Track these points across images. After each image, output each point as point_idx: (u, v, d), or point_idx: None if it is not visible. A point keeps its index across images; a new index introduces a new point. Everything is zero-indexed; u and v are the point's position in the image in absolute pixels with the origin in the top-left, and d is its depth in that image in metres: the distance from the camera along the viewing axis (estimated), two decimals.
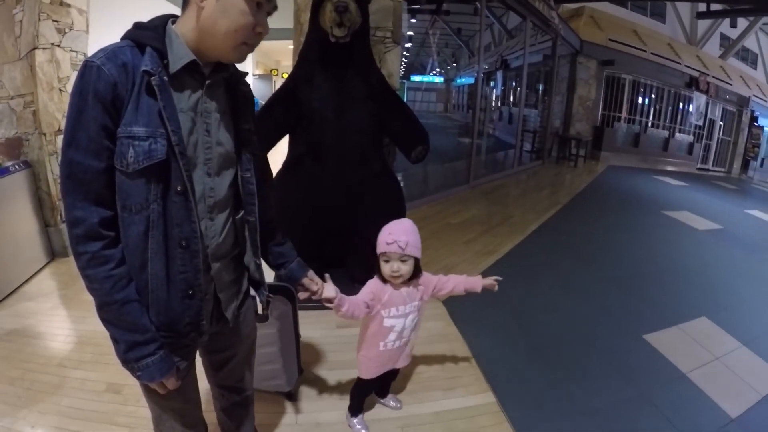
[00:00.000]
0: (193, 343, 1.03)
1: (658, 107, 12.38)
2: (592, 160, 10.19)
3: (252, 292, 1.16)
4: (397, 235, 1.48)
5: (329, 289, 1.33)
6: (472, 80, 9.31)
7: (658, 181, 9.76)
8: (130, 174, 0.81)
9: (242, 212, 1.02)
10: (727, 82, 14.27)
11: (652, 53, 11.75)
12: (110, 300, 0.84)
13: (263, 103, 2.58)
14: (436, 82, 9.12)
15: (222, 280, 1.01)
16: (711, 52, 14.69)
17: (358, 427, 1.80)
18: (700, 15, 13.44)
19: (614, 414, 2.10)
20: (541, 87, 9.57)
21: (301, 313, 1.84)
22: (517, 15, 8.23)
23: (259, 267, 1.11)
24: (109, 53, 0.80)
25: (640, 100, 11.87)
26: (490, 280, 1.71)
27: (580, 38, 10.34)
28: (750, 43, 16.59)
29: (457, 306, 2.76)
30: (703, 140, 13.97)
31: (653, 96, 12.21)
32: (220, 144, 0.94)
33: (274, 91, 2.90)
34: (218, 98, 0.94)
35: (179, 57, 0.84)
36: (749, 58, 17.25)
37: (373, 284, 1.57)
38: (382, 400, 1.95)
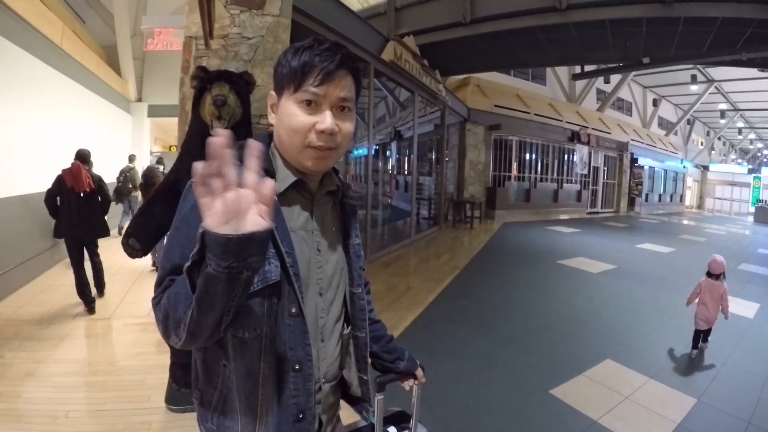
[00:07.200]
0: None
1: (545, 162, 13.60)
2: (487, 219, 10.81)
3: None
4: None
5: None
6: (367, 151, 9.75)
7: (552, 232, 10.46)
8: None
9: (350, 328, 0.98)
10: (606, 132, 16.11)
11: (535, 114, 13.06)
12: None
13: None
14: None
15: (328, 401, 0.96)
16: (589, 106, 16.64)
17: None
18: (576, 76, 15.25)
19: None
20: (433, 155, 10.23)
21: None
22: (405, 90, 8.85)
23: (364, 383, 1.02)
24: None
25: (527, 157, 13.00)
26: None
27: (467, 106, 11.30)
28: (624, 93, 19.05)
29: None
30: (590, 186, 15.44)
31: (539, 153, 13.44)
32: (330, 262, 0.91)
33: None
34: (326, 213, 0.92)
35: (284, 176, 0.83)
36: (624, 106, 19.76)
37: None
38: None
